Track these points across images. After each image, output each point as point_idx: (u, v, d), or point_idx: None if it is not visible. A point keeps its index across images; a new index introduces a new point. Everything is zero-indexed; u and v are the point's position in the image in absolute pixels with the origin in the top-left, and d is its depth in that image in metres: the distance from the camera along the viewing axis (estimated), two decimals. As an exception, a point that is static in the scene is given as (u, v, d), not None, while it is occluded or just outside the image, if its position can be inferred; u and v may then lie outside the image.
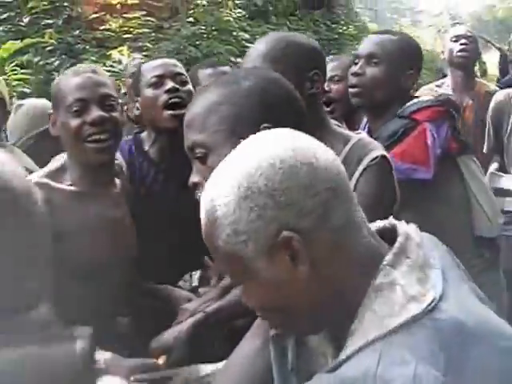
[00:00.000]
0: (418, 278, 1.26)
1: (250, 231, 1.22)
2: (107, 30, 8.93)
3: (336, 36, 16.95)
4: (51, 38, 8.12)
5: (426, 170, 2.81)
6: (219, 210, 1.23)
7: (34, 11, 8.56)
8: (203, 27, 10.37)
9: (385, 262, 1.27)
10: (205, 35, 10.15)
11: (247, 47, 11.22)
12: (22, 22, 8.47)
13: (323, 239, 1.23)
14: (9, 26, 8.39)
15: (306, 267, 1.22)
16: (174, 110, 2.84)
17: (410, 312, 1.21)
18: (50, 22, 8.75)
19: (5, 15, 8.47)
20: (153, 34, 9.45)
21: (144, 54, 8.48)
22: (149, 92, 2.92)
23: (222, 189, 1.24)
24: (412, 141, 2.85)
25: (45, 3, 8.58)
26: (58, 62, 8.35)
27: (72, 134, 2.42)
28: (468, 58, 5.05)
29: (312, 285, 1.24)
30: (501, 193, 3.96)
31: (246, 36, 11.47)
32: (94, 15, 9.00)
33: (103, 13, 9.02)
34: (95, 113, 2.40)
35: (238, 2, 12.25)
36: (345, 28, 18.01)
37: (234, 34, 11.13)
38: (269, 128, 1.56)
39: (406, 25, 33.07)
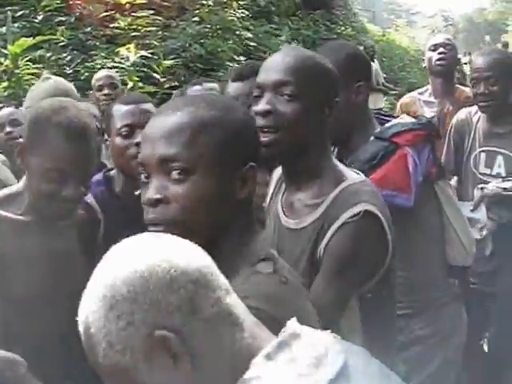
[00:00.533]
0: (298, 373, 1.15)
1: (123, 340, 1.13)
2: (116, 27, 8.92)
3: (335, 36, 16.90)
4: (63, 35, 8.11)
5: (406, 197, 2.57)
6: (92, 327, 1.14)
7: (47, 9, 8.52)
8: (208, 26, 10.36)
9: (258, 357, 1.18)
10: (209, 34, 10.14)
11: (250, 46, 11.22)
12: (36, 19, 8.44)
13: (198, 332, 1.15)
14: (23, 23, 8.36)
15: (188, 364, 1.14)
16: None
17: None
18: (62, 19, 8.73)
19: (20, 12, 8.44)
20: (160, 33, 9.43)
21: (150, 51, 8.49)
22: (118, 141, 2.68)
23: (91, 304, 1.15)
24: (392, 166, 2.56)
25: (58, 1, 8.54)
26: (69, 58, 8.36)
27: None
28: (446, 65, 4.93)
29: (196, 382, 1.16)
30: None
31: (249, 35, 11.46)
32: (105, 13, 8.96)
33: (113, 11, 8.97)
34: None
35: (241, 2, 12.24)
36: (343, 28, 18.00)
37: (238, 33, 11.12)
38: (253, 167, 1.57)
39: (402, 25, 33.04)
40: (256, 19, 13.06)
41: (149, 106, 2.75)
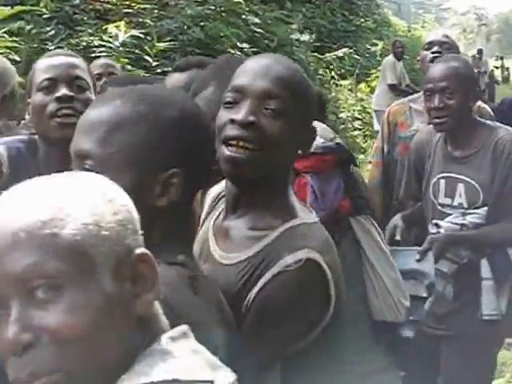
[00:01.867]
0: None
1: None
2: (107, 2, 8.64)
3: (353, 28, 16.69)
4: (46, 7, 7.85)
5: None
6: None
7: (31, -23, 8.28)
8: (211, 8, 10.09)
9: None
10: (211, 16, 9.85)
11: (256, 32, 10.96)
12: (19, -13, 8.19)
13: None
14: (5, -10, 8.11)
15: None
16: (63, 118, 2.47)
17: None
18: (49, -11, 8.47)
19: (2, -21, 8.19)
20: (156, 11, 9.16)
21: (143, 31, 8.23)
22: (38, 97, 2.52)
23: None
24: None
25: (43, -30, 8.29)
26: (53, 32, 8.11)
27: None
28: None
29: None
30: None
31: (256, 20, 11.19)
32: (95, -15, 8.71)
33: (105, -16, 8.73)
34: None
35: (251, -16, 11.95)
36: (363, 20, 17.74)
37: (244, 17, 10.85)
38: (178, 174, 1.50)
39: (430, 21, 32.79)
40: (266, 4, 12.80)
41: (75, 61, 2.62)
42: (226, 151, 1.73)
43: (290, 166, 1.93)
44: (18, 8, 7.16)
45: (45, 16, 8.07)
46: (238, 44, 9.95)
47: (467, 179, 3.42)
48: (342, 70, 14.06)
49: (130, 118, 1.51)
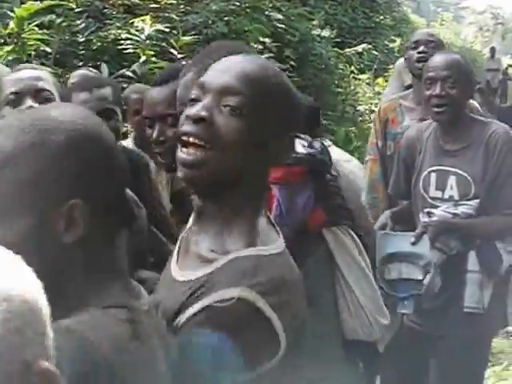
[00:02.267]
0: None
1: None
2: (136, -3, 8.71)
3: (373, 25, 16.66)
4: (76, 2, 7.91)
5: None
6: None
7: (63, -27, 8.34)
8: (236, 4, 10.12)
9: None
10: (235, 12, 9.89)
11: (279, 28, 10.98)
12: (51, -18, 8.25)
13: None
14: (37, -14, 8.17)
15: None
16: None
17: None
18: (80, -17, 8.53)
19: (33, -26, 8.25)
20: (182, 7, 9.21)
21: (168, 25, 8.28)
22: (6, 111, 2.55)
23: None
24: None
25: (74, -34, 8.34)
26: (83, 25, 8.17)
27: None
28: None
29: None
30: (390, 260, 3.25)
31: (279, 16, 11.20)
32: (124, -19, 8.76)
33: (133, -20, 8.78)
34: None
35: (275, -19, 11.95)
36: (382, 18, 17.71)
37: (267, 13, 10.86)
38: (79, 205, 1.29)
39: (448, 19, 32.61)
40: (289, 0, 12.81)
41: (40, 73, 2.67)
42: (180, 153, 1.57)
43: (257, 180, 1.67)
44: (47, 2, 7.21)
45: (76, 10, 8.14)
46: (261, 39, 9.97)
47: (459, 171, 3.35)
48: (361, 65, 14.04)
49: (13, 153, 1.29)
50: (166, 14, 8.69)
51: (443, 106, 3.32)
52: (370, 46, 14.05)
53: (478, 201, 3.31)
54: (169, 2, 8.91)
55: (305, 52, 11.52)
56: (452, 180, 3.37)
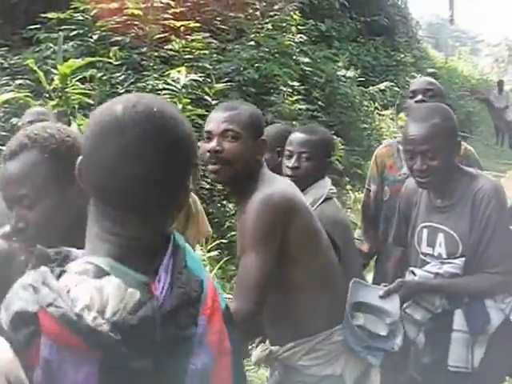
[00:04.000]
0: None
1: None
2: (170, 49, 8.60)
3: (394, 63, 16.48)
4: (115, 56, 7.84)
5: None
6: None
7: (102, 29, 8.28)
8: (265, 50, 10.00)
9: None
10: (265, 58, 9.76)
11: (307, 71, 10.85)
12: (92, 38, 8.20)
13: None
14: (78, 43, 8.13)
15: None
16: None
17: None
18: (118, 39, 8.47)
19: (74, 32, 8.21)
20: (214, 56, 9.10)
21: (202, 74, 8.17)
22: None
23: None
24: None
25: (113, 22, 8.28)
26: (123, 77, 8.10)
27: None
28: None
29: None
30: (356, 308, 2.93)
31: (306, 60, 11.09)
32: (159, 35, 8.66)
33: (169, 33, 8.67)
34: None
35: (301, 27, 11.84)
36: (403, 56, 17.52)
37: (294, 57, 10.74)
38: None
39: (465, 53, 32.35)
40: (315, 44, 12.69)
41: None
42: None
43: None
44: (88, 59, 7.16)
45: (115, 63, 8.06)
46: (290, 82, 9.84)
47: (447, 229, 3.04)
48: (385, 101, 13.89)
49: None
50: (200, 64, 8.57)
51: (427, 177, 2.99)
52: (392, 83, 13.87)
53: (463, 259, 2.98)
54: (202, 52, 8.79)
55: (331, 92, 11.39)
56: (441, 237, 3.07)
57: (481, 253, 2.95)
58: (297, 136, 3.45)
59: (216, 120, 2.69)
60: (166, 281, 1.36)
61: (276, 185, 2.66)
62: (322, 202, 3.28)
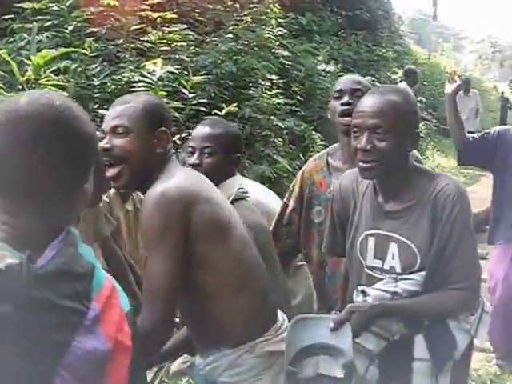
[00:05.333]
0: None
1: None
2: (147, 41, 8.50)
3: (375, 58, 16.45)
4: (90, 47, 7.72)
5: None
6: None
7: (78, 20, 8.16)
8: (244, 43, 9.92)
9: None
10: (243, 51, 9.68)
11: (286, 65, 10.78)
12: (67, 29, 8.08)
13: None
14: (53, 33, 7.99)
15: None
16: None
17: None
18: (94, 30, 8.36)
19: (49, 22, 8.09)
20: (192, 48, 9.01)
21: (179, 66, 8.08)
22: None
23: None
24: None
25: (88, 13, 8.17)
26: (98, 69, 7.99)
27: None
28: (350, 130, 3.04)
29: None
30: None
31: (286, 53, 11.01)
32: (136, 26, 8.55)
33: (145, 25, 8.56)
34: None
35: (281, 20, 11.76)
36: (384, 51, 17.50)
37: (274, 50, 10.66)
38: None
39: (448, 49, 32.40)
40: (295, 37, 12.62)
41: None
42: None
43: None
44: (62, 50, 7.05)
45: (91, 55, 7.96)
46: (268, 76, 9.76)
47: (402, 239, 2.53)
48: (366, 96, 13.84)
49: None
50: (177, 56, 8.48)
51: (371, 162, 2.50)
52: (374, 78, 13.82)
53: (423, 274, 2.51)
54: (179, 44, 8.70)
55: (311, 86, 11.29)
56: (393, 248, 2.54)
57: (444, 266, 2.49)
58: (199, 130, 3.18)
59: (107, 117, 2.51)
60: (49, 254, 1.38)
61: (174, 178, 2.40)
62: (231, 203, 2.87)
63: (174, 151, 2.65)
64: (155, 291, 2.26)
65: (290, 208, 3.47)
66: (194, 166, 3.04)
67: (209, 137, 3.13)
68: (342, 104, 3.26)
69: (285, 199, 3.55)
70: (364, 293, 2.58)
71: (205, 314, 2.42)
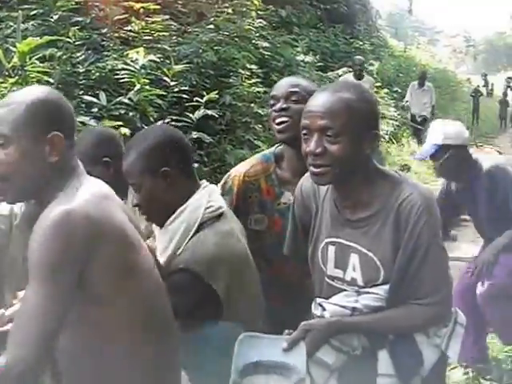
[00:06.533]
0: None
1: None
2: (130, 30, 8.54)
3: (353, 50, 16.56)
4: (74, 36, 7.75)
5: None
6: None
7: (62, 9, 8.18)
8: (225, 33, 9.99)
9: None
10: (224, 41, 9.75)
11: (266, 55, 10.86)
12: (52, 18, 8.10)
13: None
14: (39, 22, 8.03)
15: None
16: None
17: None
18: (79, 19, 8.39)
19: (35, 11, 8.12)
20: (174, 38, 9.07)
21: (161, 55, 8.14)
22: None
23: None
24: None
25: (73, 2, 8.20)
26: (83, 57, 8.03)
27: None
28: (288, 130, 2.79)
29: None
30: None
31: (266, 44, 11.09)
32: (120, 16, 8.59)
33: (129, 14, 8.61)
34: None
35: (262, 12, 11.84)
36: (361, 43, 17.63)
37: (254, 41, 10.74)
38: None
39: (424, 43, 32.58)
40: (275, 29, 12.71)
41: None
42: None
43: None
44: (47, 38, 7.08)
45: (76, 43, 8.00)
46: (248, 65, 9.83)
47: (363, 250, 2.26)
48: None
49: None
50: (159, 45, 8.53)
51: (322, 166, 2.18)
52: (350, 69, 13.90)
53: (387, 288, 2.23)
54: (162, 34, 8.75)
55: (290, 76, 11.36)
56: (354, 259, 2.27)
57: (410, 280, 2.21)
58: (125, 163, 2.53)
59: None
60: None
61: (76, 199, 1.94)
62: (198, 231, 2.46)
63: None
64: (31, 330, 1.85)
65: None
66: (135, 206, 2.53)
67: (128, 172, 2.52)
68: (275, 111, 2.82)
69: None
70: (322, 306, 2.31)
71: (96, 362, 2.04)
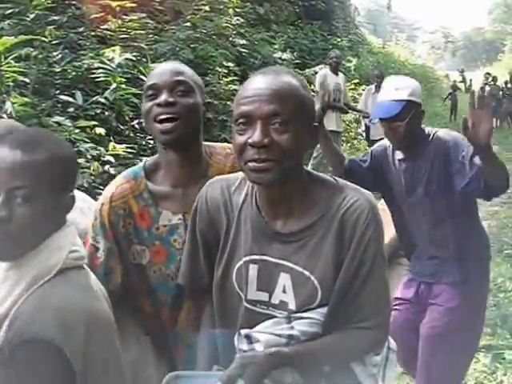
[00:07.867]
0: None
1: None
2: (106, 29, 8.49)
3: (330, 46, 16.55)
4: (50, 35, 7.69)
5: None
6: None
7: (38, 8, 8.11)
8: (202, 31, 9.96)
9: None
10: (201, 39, 9.72)
11: (243, 53, 10.83)
12: (28, 17, 8.03)
13: None
14: (15, 21, 7.95)
15: None
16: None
17: None
18: (55, 18, 8.33)
19: (10, 10, 8.04)
20: (151, 36, 9.03)
21: (137, 53, 8.10)
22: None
23: None
24: None
25: (49, 1, 8.13)
26: (59, 56, 7.97)
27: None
28: (176, 133, 2.16)
29: None
30: None
31: (243, 42, 11.07)
32: (96, 15, 8.54)
33: (105, 13, 8.56)
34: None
35: (239, 10, 11.81)
36: (339, 40, 17.63)
37: (231, 39, 10.72)
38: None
39: (402, 39, 32.62)
40: (253, 27, 12.68)
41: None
42: None
43: None
44: (21, 37, 7.01)
45: (53, 42, 7.94)
46: (225, 63, 9.81)
47: (297, 268, 1.87)
48: (320, 83, 13.94)
49: None
50: (136, 44, 8.49)
51: (266, 160, 1.74)
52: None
53: (323, 311, 1.86)
54: (138, 32, 8.70)
55: (267, 74, 11.35)
56: (284, 279, 1.88)
57: (350, 301, 1.86)
58: None
59: None
60: None
61: None
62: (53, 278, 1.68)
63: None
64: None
65: (103, 250, 2.28)
66: None
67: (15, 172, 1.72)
68: (159, 105, 2.17)
69: (91, 241, 2.30)
70: (249, 338, 1.90)
71: None
